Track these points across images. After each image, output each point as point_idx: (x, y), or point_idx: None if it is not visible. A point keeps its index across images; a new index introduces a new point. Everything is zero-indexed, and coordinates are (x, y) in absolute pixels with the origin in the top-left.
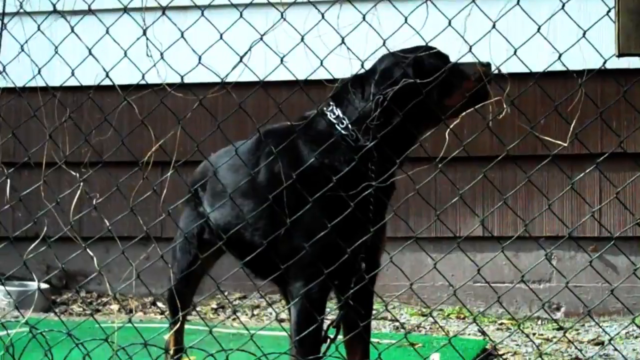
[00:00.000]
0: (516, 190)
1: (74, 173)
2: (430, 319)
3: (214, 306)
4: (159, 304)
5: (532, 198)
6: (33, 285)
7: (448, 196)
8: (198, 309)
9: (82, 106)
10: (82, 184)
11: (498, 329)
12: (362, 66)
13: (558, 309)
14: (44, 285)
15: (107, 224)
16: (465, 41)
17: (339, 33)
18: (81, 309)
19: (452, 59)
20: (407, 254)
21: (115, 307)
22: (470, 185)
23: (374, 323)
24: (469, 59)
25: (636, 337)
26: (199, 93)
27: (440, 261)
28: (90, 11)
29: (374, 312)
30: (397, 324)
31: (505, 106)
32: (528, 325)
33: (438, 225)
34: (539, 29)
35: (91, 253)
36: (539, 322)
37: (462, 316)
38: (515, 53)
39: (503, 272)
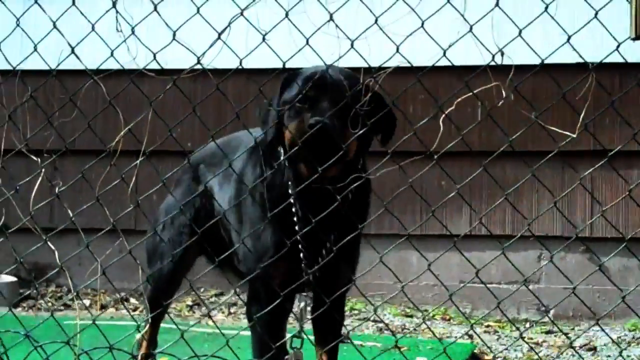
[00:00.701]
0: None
1: (35, 158)
2: (415, 319)
3: (189, 303)
4: (132, 300)
5: (521, 195)
6: (1, 278)
7: (435, 192)
8: (173, 305)
9: (46, 88)
10: (43, 171)
11: (485, 332)
12: (352, 46)
13: (547, 311)
14: (11, 278)
15: (71, 214)
16: (465, 20)
17: (327, 9)
18: (50, 304)
19: (452, 41)
20: (390, 252)
21: (86, 302)
22: (468, 180)
23: (356, 323)
24: (469, 42)
25: (628, 343)
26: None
27: (425, 261)
28: None
29: (355, 312)
30: (380, 324)
31: (504, 94)
32: (516, 328)
33: (424, 222)
34: (546, 9)
35: (52, 245)
36: (527, 324)
37: (447, 317)
38: (520, 34)
39: (490, 271)
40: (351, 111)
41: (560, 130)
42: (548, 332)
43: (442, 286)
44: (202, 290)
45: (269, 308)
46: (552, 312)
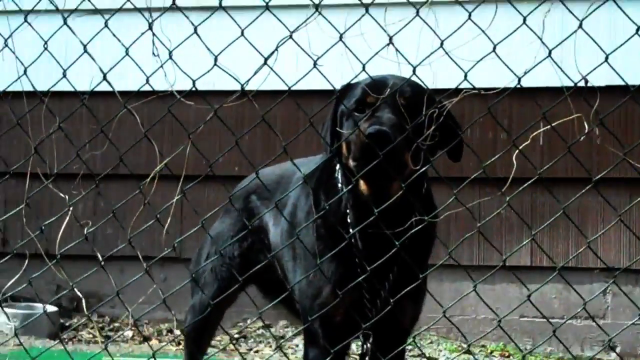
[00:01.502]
0: (575, 215)
1: (62, 195)
2: (471, 357)
3: (235, 335)
4: (176, 331)
5: (585, 225)
6: (40, 307)
7: (493, 221)
8: (217, 338)
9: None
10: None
11: None
12: (414, 72)
13: (613, 348)
14: (52, 308)
15: (126, 241)
16: (544, 43)
17: (386, 31)
18: (91, 336)
19: (533, 67)
20: (446, 284)
21: (129, 333)
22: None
23: None
24: (546, 70)
25: None
26: (216, 102)
27: (484, 292)
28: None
29: (409, 347)
30: None
31: (589, 126)
32: None
33: (481, 252)
34: (637, 31)
35: (109, 274)
36: None
37: (506, 354)
38: (606, 60)
39: (552, 306)
40: (415, 120)
41: (633, 163)
42: None
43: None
44: (248, 321)
45: (331, 352)
46: (618, 349)
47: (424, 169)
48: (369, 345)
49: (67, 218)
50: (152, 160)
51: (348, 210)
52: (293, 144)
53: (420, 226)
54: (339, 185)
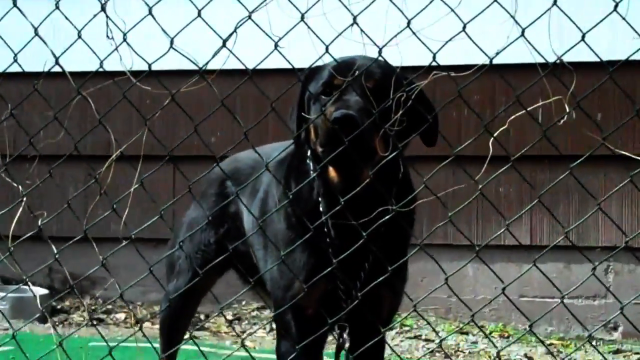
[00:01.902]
0: (575, 194)
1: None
2: (471, 337)
3: (229, 317)
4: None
5: (586, 203)
6: (33, 290)
7: (492, 199)
8: (212, 321)
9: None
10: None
11: (547, 353)
12: (380, 54)
13: (615, 328)
14: (43, 291)
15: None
16: (517, 22)
17: (350, 10)
18: (82, 319)
19: (505, 47)
20: (444, 264)
21: (121, 315)
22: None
23: (405, 343)
24: (520, 47)
25: None
26: (173, 82)
27: (482, 272)
28: None
29: (406, 328)
30: (430, 345)
31: (567, 109)
32: (581, 347)
33: (479, 231)
34: (615, 7)
35: (100, 255)
36: (594, 343)
37: (505, 334)
38: (583, 39)
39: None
40: (384, 103)
41: (627, 154)
42: (617, 352)
43: (500, 301)
44: (243, 303)
45: (301, 344)
46: (620, 329)
47: (392, 155)
48: (345, 336)
49: (21, 207)
50: (147, 141)
51: (320, 198)
52: (275, 127)
53: (390, 214)
54: (310, 171)
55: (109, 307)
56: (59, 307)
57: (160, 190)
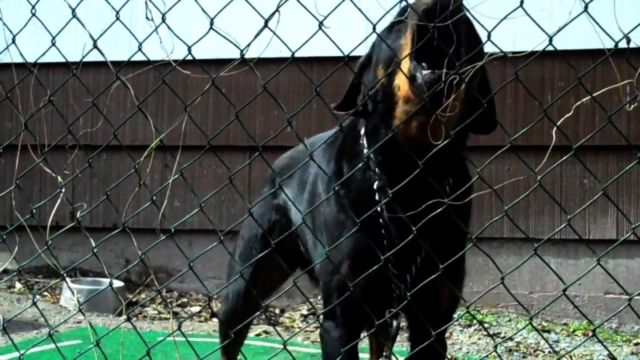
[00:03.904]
0: None
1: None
2: (553, 335)
3: (304, 312)
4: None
5: None
6: (107, 282)
7: (575, 191)
8: (287, 315)
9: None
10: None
11: (633, 353)
12: (434, 31)
13: None
14: (118, 283)
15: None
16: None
17: None
18: (156, 312)
19: (566, 24)
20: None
21: (195, 308)
22: (617, 176)
23: (483, 341)
24: (580, 31)
25: None
26: (211, 70)
27: (566, 267)
28: None
29: (486, 324)
30: (509, 343)
31: (637, 92)
32: None
33: (562, 225)
34: None
35: (179, 247)
36: None
37: (589, 333)
38: None
39: None
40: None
41: None
42: None
43: (585, 297)
44: (319, 297)
45: (333, 328)
46: None
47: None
48: (395, 324)
49: (60, 198)
50: (218, 129)
51: (376, 176)
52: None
53: (444, 206)
54: (365, 151)
55: (184, 300)
56: (134, 300)
57: (237, 181)
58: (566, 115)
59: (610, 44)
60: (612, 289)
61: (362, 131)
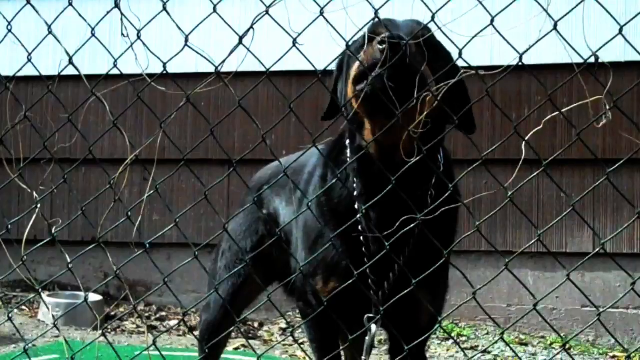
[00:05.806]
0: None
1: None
2: (530, 348)
3: (283, 325)
4: None
5: None
6: (86, 296)
7: (553, 205)
8: (265, 328)
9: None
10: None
11: None
12: (405, 47)
13: None
14: (96, 297)
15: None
16: (550, 15)
17: (372, 5)
18: (134, 326)
19: (537, 41)
20: (503, 272)
21: (173, 322)
22: (588, 191)
23: (460, 355)
24: (551, 46)
25: None
26: (189, 85)
27: (543, 281)
28: None
29: (463, 338)
30: (487, 357)
31: (606, 108)
32: None
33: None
34: None
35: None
36: None
37: (567, 346)
38: (620, 32)
39: (617, 295)
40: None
41: None
42: None
43: (562, 311)
44: (297, 311)
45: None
46: None
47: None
48: (371, 333)
49: (35, 214)
50: (200, 144)
51: (355, 185)
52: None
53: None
54: (348, 160)
55: (163, 314)
56: (113, 314)
57: (215, 194)
58: (535, 130)
59: (580, 60)
60: (588, 302)
61: (347, 142)
